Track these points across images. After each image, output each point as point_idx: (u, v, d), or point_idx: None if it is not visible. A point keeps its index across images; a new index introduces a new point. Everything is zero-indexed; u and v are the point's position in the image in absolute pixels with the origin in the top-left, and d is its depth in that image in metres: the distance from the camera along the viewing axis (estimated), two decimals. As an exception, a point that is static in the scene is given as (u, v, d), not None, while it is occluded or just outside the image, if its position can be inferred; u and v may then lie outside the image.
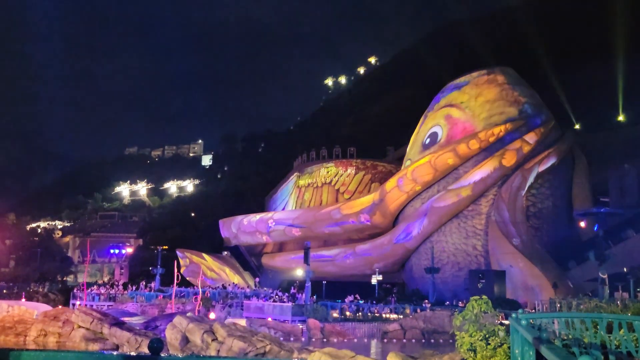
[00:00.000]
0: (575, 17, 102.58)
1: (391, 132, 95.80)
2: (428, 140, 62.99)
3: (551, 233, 58.13)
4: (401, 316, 44.83)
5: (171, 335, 28.00)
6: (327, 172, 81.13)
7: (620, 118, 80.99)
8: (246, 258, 79.12)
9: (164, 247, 69.24)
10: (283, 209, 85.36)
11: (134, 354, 3.98)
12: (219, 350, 25.31)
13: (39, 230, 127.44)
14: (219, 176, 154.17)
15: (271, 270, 76.33)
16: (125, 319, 37.48)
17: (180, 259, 70.59)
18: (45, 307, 40.71)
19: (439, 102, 65.60)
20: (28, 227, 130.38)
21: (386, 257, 63.39)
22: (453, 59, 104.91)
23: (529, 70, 73.59)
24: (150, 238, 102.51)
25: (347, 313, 46.20)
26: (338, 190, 78.93)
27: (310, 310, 41.95)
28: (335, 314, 45.45)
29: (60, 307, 43.80)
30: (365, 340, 39.33)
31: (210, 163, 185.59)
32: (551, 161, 58.45)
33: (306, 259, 48.31)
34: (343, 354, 21.64)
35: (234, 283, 65.79)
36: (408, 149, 67.16)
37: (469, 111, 61.18)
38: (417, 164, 60.88)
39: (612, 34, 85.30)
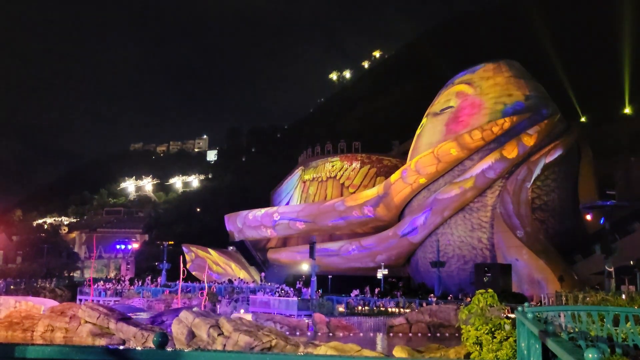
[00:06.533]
0: (582, 10, 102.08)
1: (396, 126, 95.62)
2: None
3: (557, 226, 57.95)
4: (407, 310, 44.79)
5: (177, 330, 28.06)
6: (332, 166, 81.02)
7: (627, 111, 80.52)
8: (252, 253, 79.30)
9: (170, 242, 69.39)
10: (287, 203, 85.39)
11: (140, 349, 3.98)
12: (225, 345, 25.36)
13: (46, 227, 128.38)
14: (224, 171, 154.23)
15: (277, 265, 76.43)
16: (132, 314, 37.61)
17: (186, 254, 70.74)
18: (52, 303, 40.94)
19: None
20: (34, 224, 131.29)
21: (391, 250, 63.37)
22: (458, 52, 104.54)
23: (536, 63, 73.37)
24: (156, 233, 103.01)
25: (359, 308, 46.17)
26: (343, 184, 78.80)
27: (316, 305, 42.01)
28: (341, 309, 45.45)
29: (67, 302, 43.99)
30: (371, 334, 39.26)
31: (216, 158, 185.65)
32: (557, 154, 58.20)
33: (312, 254, 48.34)
34: (349, 348, 21.66)
35: (239, 278, 65.92)
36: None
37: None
38: (421, 156, 60.86)
39: (619, 26, 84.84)
